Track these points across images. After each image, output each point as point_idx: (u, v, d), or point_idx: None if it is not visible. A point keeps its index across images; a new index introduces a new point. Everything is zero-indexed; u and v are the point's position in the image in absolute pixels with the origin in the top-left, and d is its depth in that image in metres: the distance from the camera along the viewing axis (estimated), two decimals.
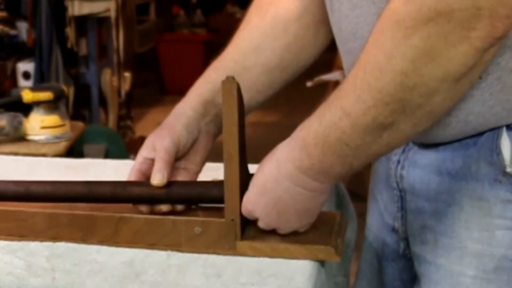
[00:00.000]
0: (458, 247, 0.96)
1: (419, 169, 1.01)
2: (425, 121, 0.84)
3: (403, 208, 1.06)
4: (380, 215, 1.13)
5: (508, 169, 0.91)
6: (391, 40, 0.80)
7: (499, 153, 0.91)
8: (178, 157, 1.06)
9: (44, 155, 2.27)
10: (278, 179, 0.93)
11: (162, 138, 1.05)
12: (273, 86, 1.14)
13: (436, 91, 0.80)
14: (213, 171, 1.20)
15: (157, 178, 1.02)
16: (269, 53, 1.13)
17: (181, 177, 1.07)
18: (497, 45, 0.79)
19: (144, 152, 1.06)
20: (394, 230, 1.10)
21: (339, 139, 0.86)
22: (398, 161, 1.05)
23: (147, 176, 1.04)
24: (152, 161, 1.05)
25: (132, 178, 1.05)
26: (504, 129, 0.91)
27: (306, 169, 0.90)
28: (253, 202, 0.96)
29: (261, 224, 0.98)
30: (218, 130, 1.10)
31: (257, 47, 1.14)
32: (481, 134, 0.93)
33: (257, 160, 1.23)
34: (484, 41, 0.76)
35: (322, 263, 1.00)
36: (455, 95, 0.83)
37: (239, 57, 1.14)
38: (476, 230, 0.94)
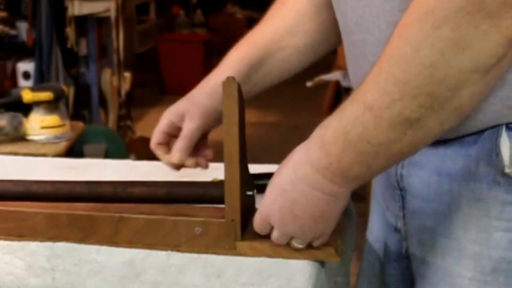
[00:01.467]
0: (456, 249, 0.95)
1: (419, 168, 1.00)
2: (453, 117, 0.81)
3: (404, 208, 1.05)
4: (382, 215, 1.13)
5: (507, 170, 0.89)
6: (420, 32, 0.78)
7: (498, 153, 0.90)
8: (204, 133, 1.15)
9: (44, 155, 2.27)
10: (294, 181, 0.90)
11: (192, 118, 1.12)
12: (301, 66, 1.18)
13: (464, 83, 0.78)
14: (213, 171, 1.20)
15: (176, 156, 1.10)
16: (302, 34, 1.15)
17: (190, 163, 1.15)
18: None
19: (173, 117, 1.13)
20: (396, 230, 1.08)
21: (360, 135, 0.82)
22: None
23: (172, 137, 1.14)
24: (177, 128, 1.13)
25: (158, 138, 1.13)
26: (504, 128, 0.89)
27: (323, 169, 0.87)
28: (269, 205, 0.94)
29: (276, 234, 0.95)
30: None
31: (292, 28, 1.16)
32: (481, 132, 0.92)
33: (257, 160, 1.23)
34: None
35: (322, 263, 1.00)
36: (484, 89, 0.80)
37: (276, 36, 1.17)
38: (474, 231, 0.93)
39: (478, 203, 0.93)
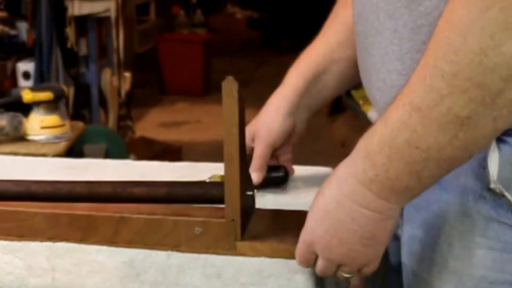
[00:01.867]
0: (439, 262, 0.89)
1: None
2: (506, 113, 0.74)
3: (402, 215, 0.97)
4: None
5: (492, 185, 0.82)
6: (466, 17, 0.71)
7: (485, 166, 0.83)
8: (274, 151, 1.19)
9: (44, 155, 2.27)
10: (339, 200, 0.83)
11: (260, 138, 1.17)
12: (357, 77, 1.12)
13: None
14: (213, 171, 1.20)
15: (255, 177, 1.13)
16: (354, 46, 1.07)
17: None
18: None
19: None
20: (396, 238, 1.01)
21: (408, 141, 0.77)
22: None
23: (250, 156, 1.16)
24: (251, 148, 1.17)
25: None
26: (494, 140, 0.81)
27: (369, 181, 0.81)
28: (312, 231, 0.87)
29: (321, 262, 0.89)
30: (310, 115, 1.21)
31: (343, 41, 1.17)
32: None
33: None
34: None
35: None
36: None
37: (329, 50, 1.18)
38: (458, 246, 0.87)
39: (464, 217, 0.86)
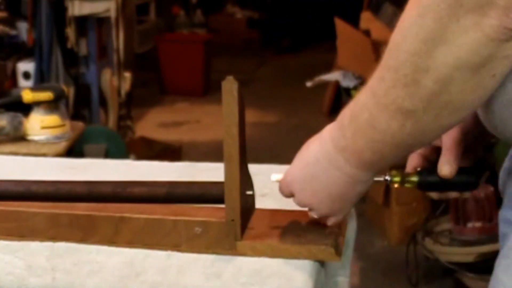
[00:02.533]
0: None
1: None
2: (447, 114, 0.81)
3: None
4: None
5: None
6: (408, 19, 0.79)
7: None
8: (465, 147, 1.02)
9: (44, 155, 2.27)
10: (318, 157, 0.93)
11: (455, 131, 1.02)
12: None
13: (451, 79, 0.78)
14: (213, 171, 1.20)
15: (446, 169, 0.98)
16: None
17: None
18: None
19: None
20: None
21: (367, 120, 0.85)
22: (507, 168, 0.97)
23: (430, 161, 1.02)
24: (434, 148, 1.02)
25: (414, 162, 1.02)
26: None
27: (342, 149, 0.90)
28: (293, 174, 0.97)
29: (295, 200, 0.99)
30: None
31: None
32: None
33: (257, 160, 1.23)
34: (496, 31, 0.74)
35: (322, 263, 1.00)
36: (475, 88, 0.79)
37: None
38: None
39: None
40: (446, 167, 0.98)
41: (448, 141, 1.00)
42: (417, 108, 0.81)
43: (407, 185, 1.01)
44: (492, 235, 2.71)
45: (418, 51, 0.78)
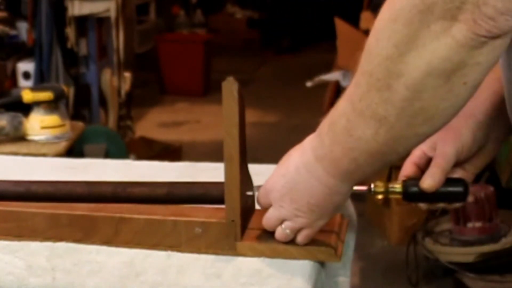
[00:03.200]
0: None
1: None
2: (421, 121, 0.81)
3: None
4: None
5: None
6: (381, 24, 0.79)
7: None
8: (458, 162, 1.01)
9: (44, 155, 2.27)
10: (298, 166, 0.92)
11: (444, 142, 1.01)
12: None
13: (422, 85, 0.77)
14: (213, 171, 1.20)
15: (427, 183, 0.97)
16: None
17: (456, 174, 1.01)
18: (495, 49, 0.75)
19: (425, 147, 1.02)
20: None
21: (345, 127, 0.85)
22: None
23: (422, 170, 1.00)
24: (429, 159, 1.01)
25: (407, 169, 1.01)
26: None
27: (321, 158, 0.89)
28: (273, 181, 0.96)
29: (271, 211, 0.97)
30: (505, 135, 1.03)
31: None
32: None
33: (257, 160, 1.23)
34: (466, 36, 0.74)
35: (322, 263, 1.00)
36: (447, 95, 0.79)
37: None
38: None
39: None
40: (428, 180, 0.98)
41: (439, 154, 1.00)
42: (390, 114, 0.80)
43: (391, 195, 1.00)
44: (492, 235, 2.71)
45: (391, 55, 0.78)
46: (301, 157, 0.92)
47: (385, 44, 0.78)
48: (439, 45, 0.75)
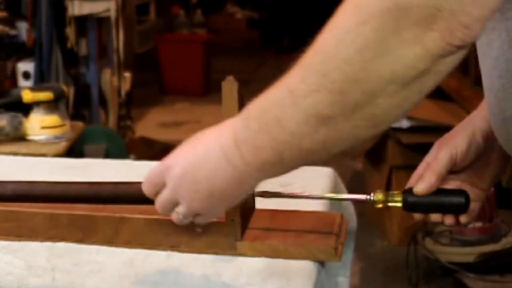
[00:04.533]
0: None
1: None
2: (366, 125, 0.78)
3: None
4: None
5: None
6: (344, 25, 0.75)
7: None
8: (457, 170, 1.01)
9: (44, 155, 2.27)
10: (212, 145, 0.86)
11: (440, 148, 1.01)
12: None
13: (381, 92, 0.74)
14: None
15: (419, 186, 0.98)
16: None
17: (470, 192, 1.00)
18: (457, 58, 0.74)
19: (428, 157, 1.02)
20: None
21: (277, 118, 0.80)
22: None
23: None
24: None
25: (413, 181, 1.01)
26: None
27: (241, 142, 0.83)
28: (176, 157, 0.90)
29: (165, 193, 0.91)
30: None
31: None
32: None
33: None
34: (438, 45, 0.71)
35: (322, 263, 1.00)
36: (401, 103, 0.76)
37: None
38: None
39: None
40: (420, 185, 0.97)
41: (433, 159, 1.00)
42: (337, 116, 0.77)
43: (391, 204, 0.99)
44: (492, 235, 2.71)
45: (351, 61, 0.74)
46: (218, 137, 0.86)
47: (347, 48, 0.74)
48: (407, 53, 0.72)
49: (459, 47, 0.72)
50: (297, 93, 0.78)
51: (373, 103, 0.75)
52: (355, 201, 1.04)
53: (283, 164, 0.83)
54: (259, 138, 0.82)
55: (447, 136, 1.03)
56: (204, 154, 0.87)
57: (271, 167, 0.84)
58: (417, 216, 1.02)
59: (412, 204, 0.99)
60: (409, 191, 0.99)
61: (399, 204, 0.99)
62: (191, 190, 0.88)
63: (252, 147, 0.83)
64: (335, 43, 0.75)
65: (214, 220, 0.95)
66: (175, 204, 0.91)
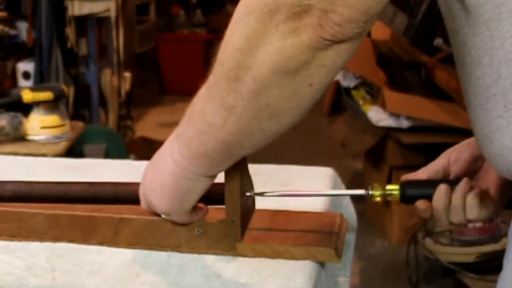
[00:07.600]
0: None
1: None
2: (266, 117, 0.82)
3: None
4: None
5: None
6: (237, 14, 0.80)
7: None
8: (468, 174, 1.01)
9: (44, 155, 2.27)
10: (165, 146, 0.94)
11: (469, 147, 1.01)
12: None
13: (269, 81, 0.79)
14: None
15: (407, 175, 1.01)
16: None
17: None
18: (339, 53, 0.77)
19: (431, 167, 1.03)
20: None
21: (200, 110, 0.86)
22: None
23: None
24: (439, 170, 1.02)
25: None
26: None
27: (178, 136, 0.90)
28: (149, 163, 0.97)
29: (143, 203, 0.99)
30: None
31: None
32: None
33: (257, 160, 1.23)
34: (311, 38, 0.75)
35: (322, 263, 1.00)
36: (293, 95, 0.80)
37: None
38: None
39: None
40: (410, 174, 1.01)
41: (464, 152, 1.00)
42: (238, 105, 0.81)
43: (389, 198, 1.00)
44: (492, 235, 2.71)
45: (241, 48, 0.79)
46: (170, 138, 0.93)
47: (237, 36, 0.79)
48: (285, 44, 0.76)
49: (333, 42, 0.76)
50: (209, 83, 0.84)
51: (265, 93, 0.80)
52: (354, 197, 1.04)
53: (209, 157, 0.88)
54: (188, 130, 0.88)
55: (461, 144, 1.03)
56: (158, 154, 0.95)
57: (200, 160, 0.89)
58: (420, 203, 1.00)
59: (410, 196, 0.99)
60: (406, 182, 0.99)
61: (396, 193, 1.00)
62: (148, 190, 0.96)
63: (184, 140, 0.89)
64: (230, 32, 0.81)
65: (188, 220, 0.99)
66: (152, 208, 0.98)
